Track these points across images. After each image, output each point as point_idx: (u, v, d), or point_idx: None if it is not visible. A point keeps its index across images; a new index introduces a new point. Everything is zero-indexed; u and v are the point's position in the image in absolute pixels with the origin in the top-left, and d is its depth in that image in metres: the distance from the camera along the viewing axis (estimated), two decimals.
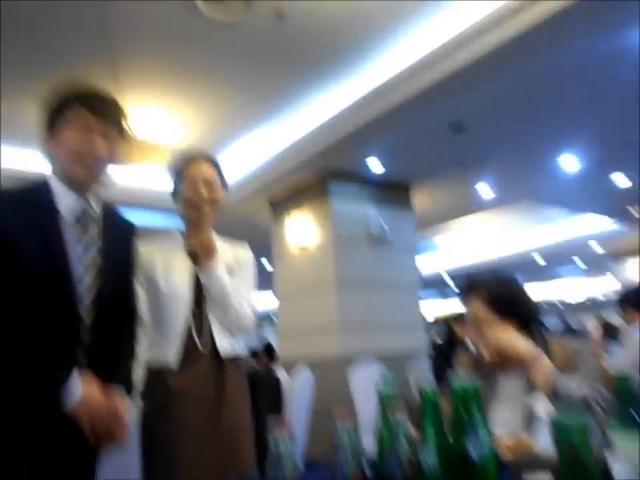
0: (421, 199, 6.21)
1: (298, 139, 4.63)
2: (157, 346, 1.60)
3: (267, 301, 10.58)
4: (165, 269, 1.65)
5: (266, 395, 3.00)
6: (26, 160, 4.64)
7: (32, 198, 1.33)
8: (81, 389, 1.24)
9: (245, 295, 1.73)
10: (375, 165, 5.17)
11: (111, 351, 1.41)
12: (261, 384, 3.03)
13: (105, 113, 1.39)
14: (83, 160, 1.35)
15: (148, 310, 1.63)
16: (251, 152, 5.04)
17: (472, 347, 1.63)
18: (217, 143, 4.80)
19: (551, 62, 3.50)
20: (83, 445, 1.27)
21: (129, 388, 1.43)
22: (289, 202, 5.70)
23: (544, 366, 1.36)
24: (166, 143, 4.18)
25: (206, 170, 1.72)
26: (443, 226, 8.21)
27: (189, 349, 1.59)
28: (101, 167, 1.40)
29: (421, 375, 4.01)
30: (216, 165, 1.77)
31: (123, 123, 1.47)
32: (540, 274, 13.22)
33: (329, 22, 3.12)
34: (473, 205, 6.93)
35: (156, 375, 1.58)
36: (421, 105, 3.78)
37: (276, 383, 3.31)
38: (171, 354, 1.58)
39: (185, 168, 1.72)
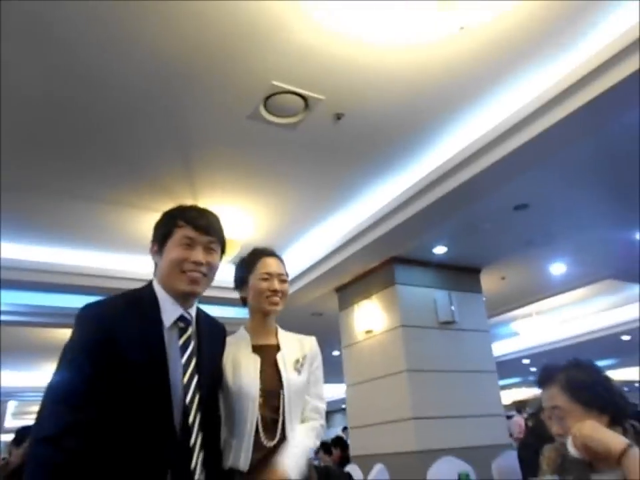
0: (491, 282, 6.04)
1: (361, 226, 4.72)
2: (229, 448, 1.62)
3: (338, 391, 10.37)
4: (234, 368, 1.70)
5: None
6: (113, 262, 5.02)
7: (139, 305, 1.44)
8: None
9: (317, 392, 1.81)
10: (440, 250, 5.15)
11: (208, 453, 1.46)
12: (332, 473, 2.90)
13: (208, 228, 1.51)
14: (185, 272, 1.45)
15: (223, 412, 1.68)
16: (317, 242, 5.18)
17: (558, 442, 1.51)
18: (285, 236, 5.00)
19: (621, 127, 3.31)
20: None
21: None
22: (355, 288, 5.72)
23: (637, 459, 1.22)
24: (239, 238, 4.39)
25: (278, 265, 1.86)
26: (521, 310, 7.87)
27: (258, 447, 1.60)
28: (203, 278, 1.49)
29: (506, 470, 3.68)
30: (283, 262, 1.91)
31: (223, 235, 1.59)
32: (628, 354, 12.10)
33: (386, 116, 3.27)
34: (550, 286, 6.64)
35: (228, 473, 1.59)
36: (483, 187, 3.79)
37: (349, 476, 3.15)
38: (242, 459, 1.59)
39: (258, 262, 1.84)
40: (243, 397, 1.64)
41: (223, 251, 1.58)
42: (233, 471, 1.58)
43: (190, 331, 1.49)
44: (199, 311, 1.59)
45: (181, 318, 1.47)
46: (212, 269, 1.51)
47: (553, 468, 1.52)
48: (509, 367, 11.17)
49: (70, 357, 1.34)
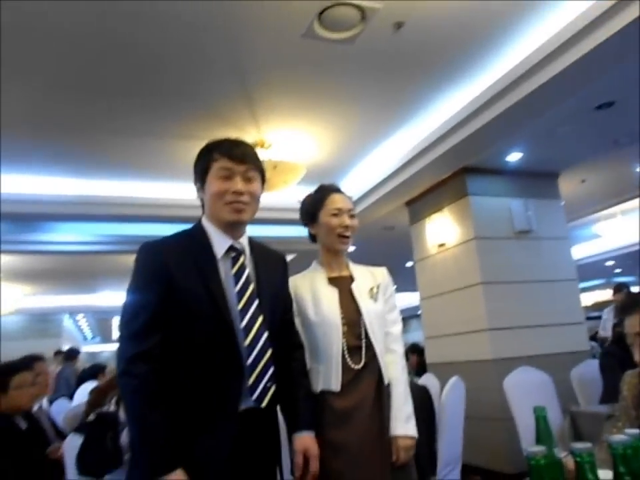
0: (570, 186, 5.70)
1: (430, 138, 4.53)
2: (316, 374, 1.72)
3: (413, 299, 10.59)
4: (314, 300, 1.79)
5: (416, 405, 2.96)
6: (179, 191, 5.19)
7: (190, 240, 1.50)
8: None
9: (394, 319, 1.89)
10: (515, 156, 4.88)
11: (285, 382, 1.54)
12: (411, 393, 3.00)
13: (243, 156, 1.51)
14: (229, 203, 1.48)
15: (304, 341, 1.75)
16: (385, 158, 5.06)
17: None
18: (351, 155, 4.90)
19: None
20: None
21: (313, 421, 1.57)
22: (425, 202, 5.61)
23: None
24: (303, 162, 4.37)
25: (347, 201, 1.89)
26: (604, 212, 7.44)
27: (346, 369, 1.70)
28: (246, 207, 1.50)
29: (586, 378, 3.67)
30: (349, 198, 1.94)
31: (260, 162, 1.58)
32: None
33: (450, 20, 3.01)
34: (635, 186, 6.18)
35: (321, 398, 1.69)
36: (562, 89, 3.47)
37: (425, 391, 3.26)
38: (332, 378, 1.69)
39: (326, 198, 1.88)
40: (326, 325, 1.73)
41: (263, 179, 1.58)
42: (324, 393, 1.69)
43: (242, 259, 1.52)
44: (253, 242, 1.61)
45: (231, 248, 1.50)
46: (254, 196, 1.53)
47: (632, 394, 1.48)
48: (591, 270, 10.80)
49: (131, 290, 1.42)
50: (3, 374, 2.68)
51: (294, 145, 4.51)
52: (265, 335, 1.45)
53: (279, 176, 4.19)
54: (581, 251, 9.45)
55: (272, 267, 1.64)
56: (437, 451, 2.93)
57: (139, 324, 1.36)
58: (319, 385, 1.71)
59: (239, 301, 1.44)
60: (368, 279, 1.89)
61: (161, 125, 4.00)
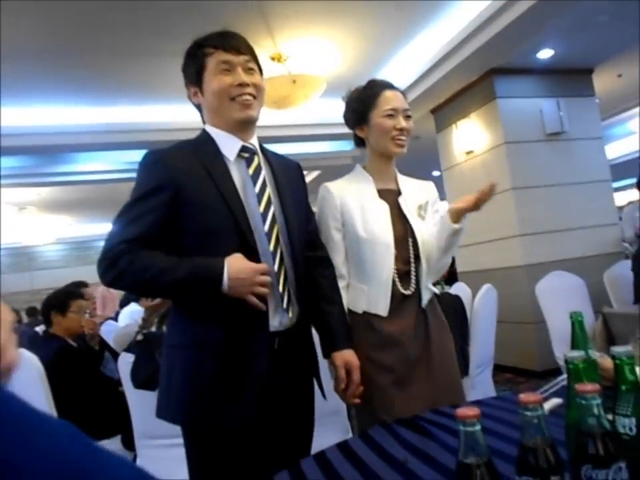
0: (605, 82, 5.39)
1: (455, 40, 4.29)
2: (360, 293, 1.60)
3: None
4: (363, 213, 1.60)
5: (449, 313, 3.04)
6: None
7: (197, 147, 1.36)
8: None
9: None
10: (546, 53, 4.59)
11: (316, 299, 1.47)
12: (444, 303, 3.07)
13: (239, 46, 1.37)
14: (235, 99, 1.34)
15: (346, 255, 1.63)
16: (408, 64, 4.83)
17: None
18: (373, 62, 4.70)
19: None
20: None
21: (350, 338, 1.50)
22: (451, 108, 5.42)
23: None
24: (323, 74, 4.21)
25: (402, 100, 1.66)
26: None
27: (395, 295, 1.57)
28: (254, 101, 1.37)
29: (619, 280, 3.67)
30: (405, 95, 1.70)
31: (255, 53, 1.43)
32: None
33: None
34: None
35: (364, 319, 1.58)
36: None
37: (457, 300, 3.33)
38: (380, 302, 1.56)
39: (379, 96, 1.64)
40: (377, 244, 1.57)
41: (260, 71, 1.43)
42: (368, 314, 1.57)
43: (257, 159, 1.39)
44: (264, 149, 1.48)
45: (244, 149, 1.37)
46: (259, 89, 1.39)
47: None
48: (625, 168, 10.43)
49: (132, 200, 1.28)
50: (63, 297, 2.86)
51: (312, 56, 4.33)
52: (288, 240, 1.36)
53: (299, 90, 4.07)
54: (615, 150, 9.10)
55: (288, 172, 1.50)
56: (469, 354, 3.04)
57: (133, 231, 1.23)
58: (362, 306, 1.58)
59: (259, 203, 1.33)
60: (416, 194, 1.69)
61: (174, 43, 3.84)
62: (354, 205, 1.61)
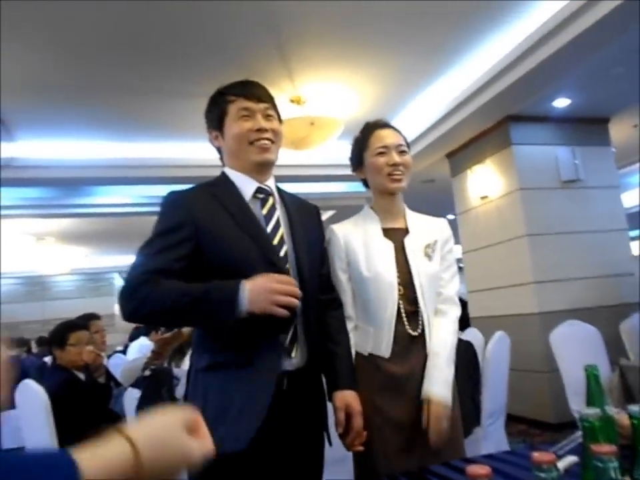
0: (621, 131, 5.42)
1: (472, 87, 4.37)
2: (366, 335, 1.58)
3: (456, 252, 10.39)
4: (367, 253, 1.60)
5: (460, 359, 2.98)
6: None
7: (216, 188, 1.41)
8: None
9: (449, 278, 1.67)
10: (562, 102, 4.65)
11: (324, 340, 1.46)
12: (456, 347, 3.02)
13: (260, 95, 1.45)
14: (254, 143, 1.40)
15: (353, 296, 1.62)
16: (425, 109, 4.92)
17: None
18: (391, 107, 4.79)
19: None
20: None
21: (354, 379, 1.47)
22: (467, 153, 5.47)
23: None
24: (340, 116, 4.29)
25: (394, 136, 1.67)
26: None
27: (400, 334, 1.54)
28: (272, 145, 1.43)
29: (636, 331, 3.59)
30: (400, 132, 1.71)
31: (274, 100, 1.50)
32: None
33: None
34: None
35: (370, 361, 1.55)
36: (612, 28, 3.25)
37: (470, 346, 3.27)
38: (383, 343, 1.54)
39: (371, 136, 1.67)
40: (380, 284, 1.55)
41: (279, 118, 1.49)
42: (373, 356, 1.54)
43: (271, 200, 1.44)
44: (281, 189, 1.53)
45: (259, 190, 1.42)
46: (277, 135, 1.45)
47: None
48: None
49: (153, 236, 1.31)
50: (62, 331, 2.86)
51: (331, 100, 4.43)
52: (298, 280, 1.35)
53: (317, 132, 4.15)
54: (631, 199, 9.04)
55: (305, 215, 1.52)
56: (481, 403, 2.96)
57: (154, 263, 1.25)
58: (367, 347, 1.56)
59: (271, 240, 1.36)
60: (425, 233, 1.66)
61: (194, 84, 3.98)
62: (358, 245, 1.61)
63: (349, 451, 1.44)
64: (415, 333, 1.55)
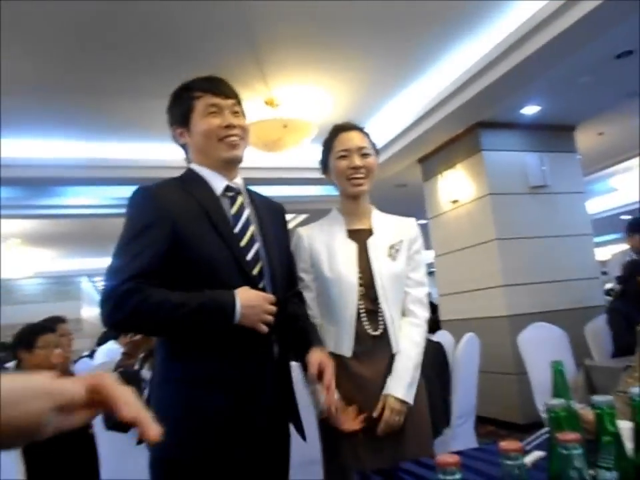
0: (587, 139, 5.58)
1: (444, 92, 4.44)
2: (328, 334, 1.58)
3: (426, 256, 10.53)
4: (329, 254, 1.61)
5: (430, 360, 3.01)
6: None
7: (186, 184, 1.38)
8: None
9: (418, 279, 1.67)
10: (531, 109, 4.76)
11: (286, 322, 1.42)
12: (426, 350, 3.04)
13: (227, 91, 1.43)
14: (223, 139, 1.38)
15: (316, 297, 1.62)
16: (398, 114, 4.97)
17: None
18: (365, 111, 4.82)
19: None
20: None
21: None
22: (438, 158, 5.55)
23: None
24: (313, 119, 4.30)
25: (358, 138, 1.67)
26: (621, 165, 7.30)
27: (361, 334, 1.55)
28: (240, 142, 1.42)
29: (601, 333, 3.68)
30: (366, 134, 1.71)
31: (240, 98, 1.48)
32: None
33: None
34: None
35: (334, 360, 1.49)
36: (580, 37, 3.35)
37: (439, 347, 3.30)
38: (345, 342, 1.54)
39: (335, 139, 1.68)
40: (342, 284, 1.56)
41: (243, 114, 1.47)
42: (334, 355, 1.51)
43: (240, 198, 1.42)
44: (250, 190, 1.51)
45: (228, 188, 1.41)
46: (245, 131, 1.44)
47: None
48: (605, 224, 10.68)
49: (126, 237, 1.27)
50: (30, 333, 2.77)
51: (304, 102, 4.43)
52: (270, 277, 1.37)
53: (290, 134, 4.14)
54: (596, 205, 9.32)
55: (272, 214, 1.52)
56: (451, 404, 2.99)
57: (133, 270, 1.20)
58: (330, 346, 1.55)
59: (239, 242, 1.34)
60: (390, 233, 1.67)
61: (167, 85, 3.91)
62: (322, 246, 1.63)
63: (321, 416, 1.46)
64: (376, 333, 1.56)
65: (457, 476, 0.60)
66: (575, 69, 3.98)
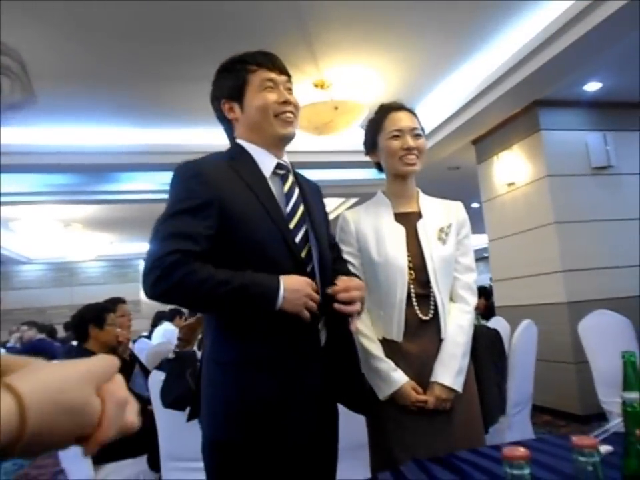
0: None
1: (500, 70, 4.25)
2: (377, 319, 1.57)
3: (479, 240, 10.33)
4: (377, 237, 1.59)
5: (486, 347, 2.93)
6: None
7: (234, 161, 1.34)
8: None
9: (467, 264, 1.65)
10: (593, 86, 4.50)
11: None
12: (481, 336, 2.97)
13: (282, 67, 1.40)
14: (279, 116, 1.35)
15: (366, 283, 1.54)
16: (451, 94, 4.82)
17: None
18: (416, 91, 4.71)
19: None
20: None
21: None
22: (493, 139, 5.35)
23: None
24: (364, 101, 4.23)
25: (409, 119, 1.65)
26: None
27: (411, 318, 1.53)
28: (294, 119, 1.39)
29: None
30: (415, 114, 1.69)
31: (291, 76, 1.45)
32: None
33: None
34: None
35: (383, 345, 1.55)
36: None
37: (496, 333, 3.22)
38: (394, 326, 1.53)
39: (385, 119, 1.65)
40: (390, 268, 1.54)
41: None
42: (385, 340, 1.54)
43: (291, 178, 1.40)
44: (293, 169, 1.47)
45: (279, 166, 1.38)
46: (298, 108, 1.41)
47: None
48: None
49: (171, 215, 1.23)
50: (101, 311, 2.89)
51: (355, 84, 4.37)
52: (318, 258, 1.35)
53: (341, 117, 4.10)
54: None
55: (315, 194, 1.49)
56: (507, 392, 2.91)
57: (191, 241, 1.18)
58: (379, 331, 1.55)
59: (290, 221, 1.32)
60: (439, 216, 1.64)
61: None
62: (369, 230, 1.61)
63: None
64: (426, 317, 1.54)
65: (526, 471, 0.57)
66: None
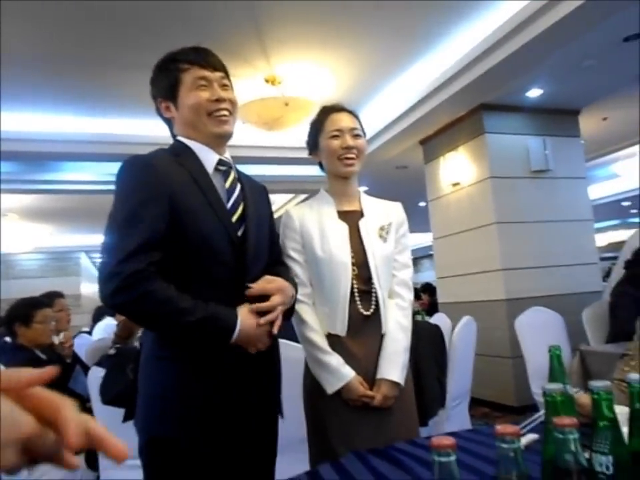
0: (591, 124, 5.53)
1: (447, 73, 4.38)
2: (322, 315, 1.59)
3: (425, 238, 10.60)
4: (321, 234, 1.62)
5: (428, 342, 3.02)
6: None
7: (176, 156, 1.34)
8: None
9: (404, 261, 1.70)
10: (535, 92, 4.71)
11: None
12: (423, 331, 3.06)
13: (215, 63, 1.38)
14: (212, 114, 1.34)
15: (308, 277, 1.62)
16: (400, 95, 4.92)
17: None
18: (367, 90, 4.79)
19: None
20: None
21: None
22: (440, 140, 5.51)
23: None
24: (317, 98, 4.24)
25: (349, 119, 1.68)
26: (623, 151, 7.25)
27: (354, 314, 1.56)
28: (230, 117, 1.38)
29: (597, 319, 3.69)
30: (356, 116, 1.72)
31: (228, 71, 1.43)
32: None
33: None
34: None
35: (329, 340, 1.56)
36: (589, 18, 3.29)
37: (437, 329, 3.31)
38: (338, 321, 1.56)
39: (326, 120, 1.68)
40: (334, 265, 1.57)
41: (232, 87, 1.43)
42: (329, 335, 1.56)
43: (233, 174, 1.40)
44: (235, 166, 1.46)
45: (221, 162, 1.38)
46: (234, 105, 1.40)
47: None
48: (606, 210, 10.66)
49: (121, 210, 1.22)
50: (27, 307, 2.76)
51: (306, 81, 4.38)
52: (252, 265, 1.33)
53: (291, 113, 4.10)
54: (597, 191, 9.29)
55: (257, 192, 1.48)
56: (446, 385, 3.01)
57: (136, 243, 1.16)
58: (325, 327, 1.58)
59: (230, 217, 1.32)
60: (380, 215, 1.69)
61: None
62: (313, 227, 1.64)
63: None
64: (368, 313, 1.58)
65: (452, 458, 0.60)
66: (580, 52, 3.93)
